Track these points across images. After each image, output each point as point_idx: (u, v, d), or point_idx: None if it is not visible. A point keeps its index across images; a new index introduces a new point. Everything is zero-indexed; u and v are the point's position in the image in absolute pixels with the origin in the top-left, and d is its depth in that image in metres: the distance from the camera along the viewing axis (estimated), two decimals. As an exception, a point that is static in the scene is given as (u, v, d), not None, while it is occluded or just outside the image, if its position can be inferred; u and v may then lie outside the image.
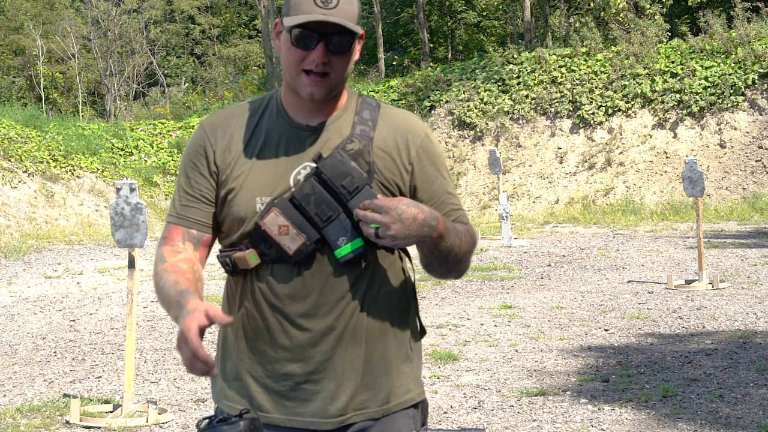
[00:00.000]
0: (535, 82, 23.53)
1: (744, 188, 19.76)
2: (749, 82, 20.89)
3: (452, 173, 22.62)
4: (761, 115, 20.62)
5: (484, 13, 38.27)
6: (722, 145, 20.66)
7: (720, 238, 15.30)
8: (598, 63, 23.21)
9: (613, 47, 23.64)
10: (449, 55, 37.65)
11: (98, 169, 22.08)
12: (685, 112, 21.33)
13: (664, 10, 26.37)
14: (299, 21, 2.12)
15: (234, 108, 2.33)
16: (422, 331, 2.38)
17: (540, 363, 7.37)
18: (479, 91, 24.08)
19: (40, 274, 13.73)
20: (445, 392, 6.59)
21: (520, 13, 32.81)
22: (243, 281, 2.27)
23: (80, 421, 6.05)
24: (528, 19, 29.98)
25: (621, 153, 21.60)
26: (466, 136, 23.63)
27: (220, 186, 2.27)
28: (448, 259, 2.25)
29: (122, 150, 24.12)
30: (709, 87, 21.28)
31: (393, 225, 2.12)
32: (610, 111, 22.23)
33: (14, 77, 40.01)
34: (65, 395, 6.80)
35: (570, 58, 23.75)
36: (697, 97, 21.27)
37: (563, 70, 23.45)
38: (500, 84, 24.06)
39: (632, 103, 22.03)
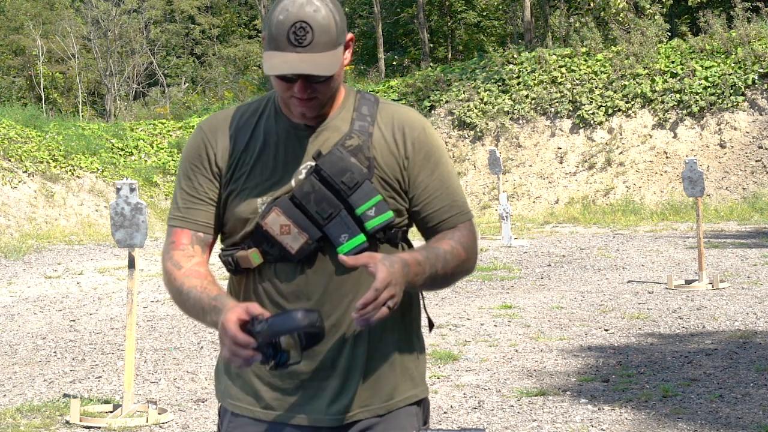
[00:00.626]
0: (535, 82, 23.52)
1: (744, 188, 19.76)
2: (749, 82, 20.88)
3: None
4: (761, 115, 20.62)
5: (484, 13, 38.28)
6: (722, 145, 20.66)
7: (720, 238, 15.30)
8: (598, 63, 23.21)
9: (613, 47, 23.64)
10: (449, 55, 37.66)
11: (98, 169, 22.07)
12: (685, 112, 21.33)
13: (664, 10, 26.38)
14: (273, 71, 2.09)
15: (232, 110, 2.33)
16: (431, 325, 2.37)
17: (540, 363, 7.37)
18: (479, 91, 24.08)
19: (40, 274, 13.72)
20: (445, 392, 6.59)
21: (520, 13, 32.82)
22: (246, 280, 2.27)
23: (80, 421, 6.05)
24: (528, 19, 29.99)
25: (621, 153, 21.60)
26: (466, 136, 23.63)
27: (222, 187, 2.27)
28: (435, 284, 2.23)
29: (122, 150, 24.11)
30: (709, 87, 21.27)
31: (394, 295, 2.05)
32: (610, 111, 22.23)
33: (14, 77, 40.03)
34: (65, 395, 6.80)
35: (570, 58, 23.74)
36: (697, 97, 21.27)
37: (563, 70, 23.45)
38: (500, 84, 24.06)
39: (632, 103, 22.02)
